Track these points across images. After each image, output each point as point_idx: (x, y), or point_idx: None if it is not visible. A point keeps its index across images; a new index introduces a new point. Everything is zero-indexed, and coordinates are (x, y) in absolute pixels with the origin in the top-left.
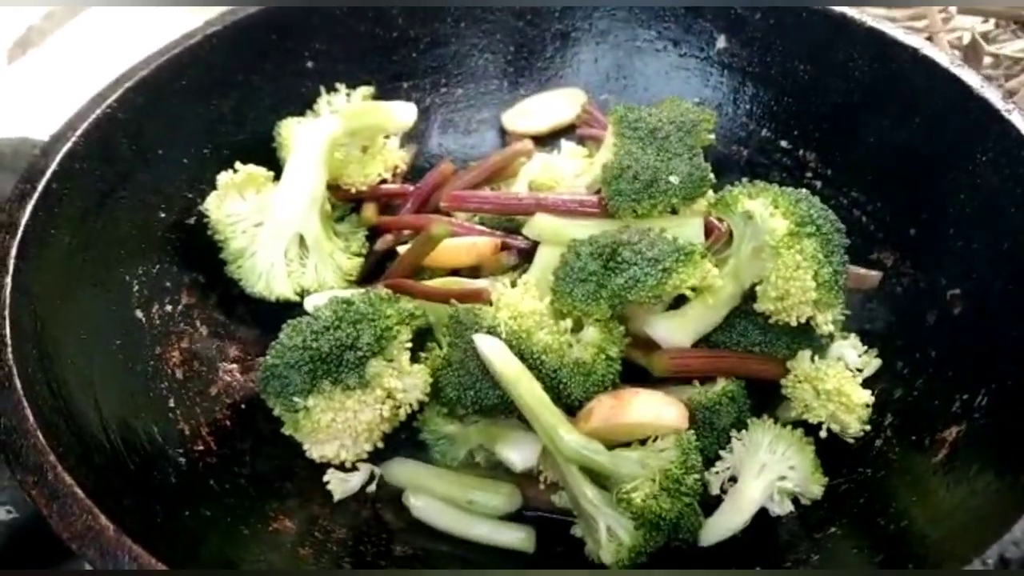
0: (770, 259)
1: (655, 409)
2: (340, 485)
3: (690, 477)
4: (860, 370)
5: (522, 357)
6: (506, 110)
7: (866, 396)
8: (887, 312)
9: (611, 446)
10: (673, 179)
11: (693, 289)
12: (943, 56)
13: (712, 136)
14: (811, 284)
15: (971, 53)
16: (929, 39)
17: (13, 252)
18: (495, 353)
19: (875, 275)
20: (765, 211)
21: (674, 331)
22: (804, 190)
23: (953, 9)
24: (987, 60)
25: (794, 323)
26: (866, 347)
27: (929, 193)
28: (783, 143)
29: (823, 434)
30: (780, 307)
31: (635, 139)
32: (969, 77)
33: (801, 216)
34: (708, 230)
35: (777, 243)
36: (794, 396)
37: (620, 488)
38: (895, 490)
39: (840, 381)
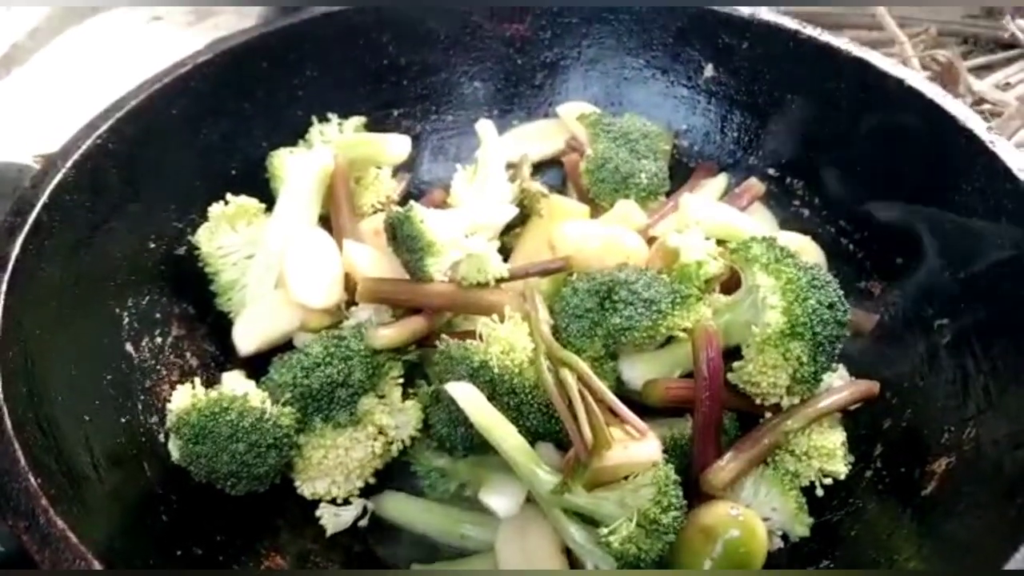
0: (754, 346)
1: (626, 451)
2: (332, 520)
3: (668, 515)
4: None
5: (513, 392)
6: None
7: (841, 436)
8: (874, 342)
9: (596, 485)
10: (643, 177)
11: (687, 331)
12: (928, 86)
13: (667, 148)
14: (784, 383)
15: (947, 76)
16: (903, 64)
17: (3, 287)
18: (469, 401)
19: (873, 318)
20: (771, 296)
21: (645, 373)
22: (826, 274)
23: (933, 31)
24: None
25: (759, 403)
26: (853, 377)
27: (915, 223)
28: (770, 171)
29: (819, 492)
30: (750, 391)
31: (609, 139)
32: (954, 108)
33: (800, 316)
34: None
35: (763, 340)
36: (777, 468)
37: (600, 531)
38: (886, 522)
39: (811, 437)
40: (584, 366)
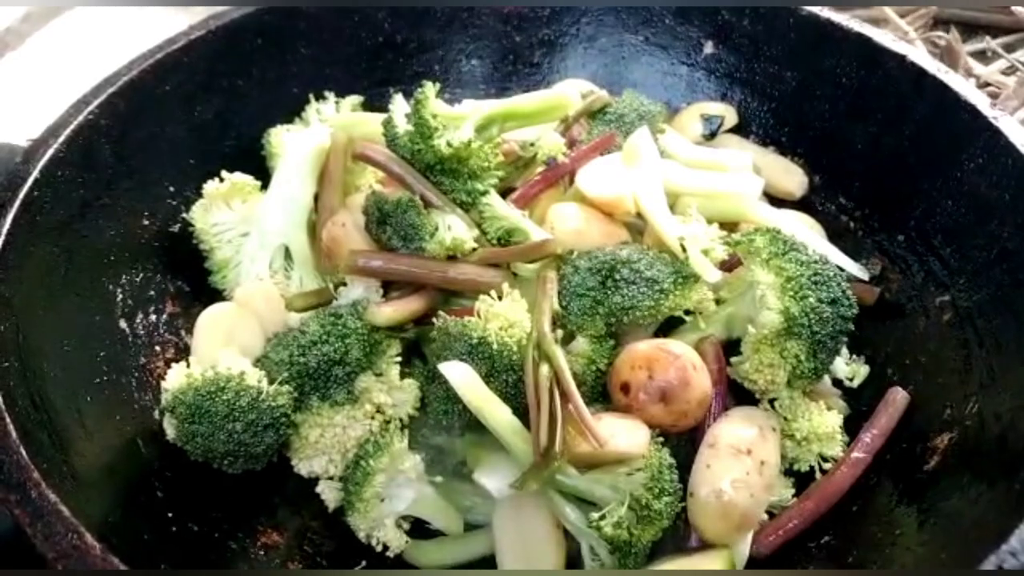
0: (750, 344)
1: (611, 438)
2: (333, 494)
3: (660, 501)
4: (850, 379)
5: (512, 369)
6: None
7: (838, 419)
8: (875, 319)
9: (589, 468)
10: None
11: (688, 312)
12: (930, 62)
13: (664, 127)
14: (782, 379)
15: (947, 58)
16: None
17: None
18: (462, 381)
19: (875, 291)
20: (770, 295)
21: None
22: (831, 267)
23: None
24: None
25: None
26: (854, 355)
27: (916, 200)
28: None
29: (818, 476)
30: (748, 386)
31: (605, 123)
32: (956, 83)
33: (797, 316)
34: None
35: (760, 340)
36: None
37: (591, 515)
38: (888, 498)
39: (812, 421)
40: (564, 366)
